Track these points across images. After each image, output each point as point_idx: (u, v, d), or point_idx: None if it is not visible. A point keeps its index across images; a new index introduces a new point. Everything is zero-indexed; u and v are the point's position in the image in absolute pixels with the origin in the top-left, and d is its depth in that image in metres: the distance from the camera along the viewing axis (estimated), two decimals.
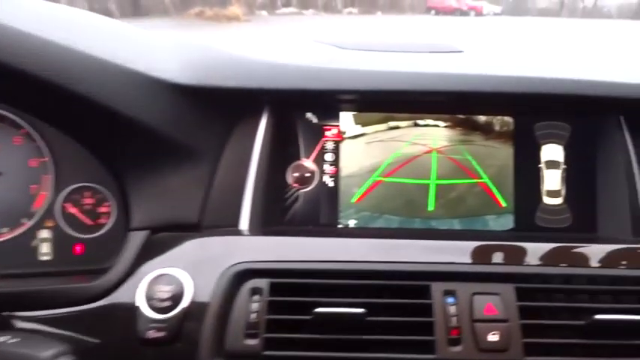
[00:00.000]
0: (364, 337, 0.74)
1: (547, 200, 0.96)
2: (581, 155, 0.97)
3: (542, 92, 0.87)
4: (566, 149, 0.97)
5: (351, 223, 0.95)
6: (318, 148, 0.96)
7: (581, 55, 1.12)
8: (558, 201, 0.97)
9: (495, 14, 28.46)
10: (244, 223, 0.88)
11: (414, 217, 0.95)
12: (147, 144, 0.83)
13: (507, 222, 0.96)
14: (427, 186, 0.95)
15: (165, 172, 0.85)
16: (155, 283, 0.76)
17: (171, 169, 0.85)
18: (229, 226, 0.87)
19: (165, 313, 0.74)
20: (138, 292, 0.75)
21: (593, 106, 0.95)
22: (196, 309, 0.75)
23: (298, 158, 0.96)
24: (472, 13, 27.53)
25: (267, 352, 0.73)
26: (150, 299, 0.75)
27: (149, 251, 0.81)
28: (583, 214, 0.96)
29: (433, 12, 28.59)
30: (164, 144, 0.83)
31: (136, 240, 0.82)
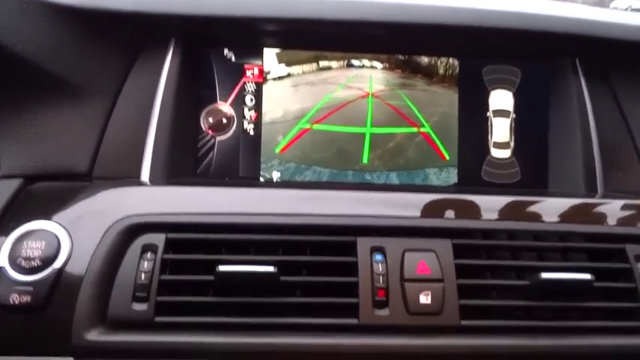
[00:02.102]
0: (274, 299, 0.63)
1: (495, 153, 0.87)
2: (533, 103, 0.88)
3: (487, 26, 0.76)
4: (516, 96, 0.87)
5: (275, 175, 0.83)
6: (236, 90, 0.84)
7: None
8: (506, 154, 0.87)
9: None
10: (145, 174, 0.75)
11: (347, 170, 0.84)
12: (17, 76, 0.68)
13: (451, 176, 0.85)
14: (362, 135, 0.84)
15: (44, 111, 0.70)
16: (23, 239, 0.62)
17: (52, 108, 0.71)
18: (127, 178, 0.74)
19: (33, 274, 0.61)
20: (2, 250, 0.62)
21: (546, 47, 0.85)
22: (74, 270, 0.62)
23: (214, 101, 0.83)
24: None
25: (159, 319, 0.61)
26: (16, 258, 0.61)
27: (20, 203, 0.67)
28: (533, 169, 0.87)
29: None
30: (41, 77, 0.69)
31: (4, 189, 0.68)
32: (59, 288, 0.61)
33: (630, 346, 0.66)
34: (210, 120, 0.83)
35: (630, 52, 0.82)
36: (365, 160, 0.84)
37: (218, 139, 0.83)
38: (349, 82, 0.84)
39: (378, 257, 0.66)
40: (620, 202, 0.76)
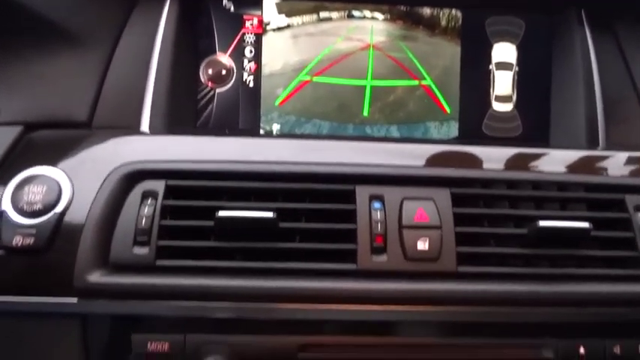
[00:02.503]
0: (273, 244, 0.64)
1: (496, 106, 0.86)
2: (536, 56, 0.86)
3: None
4: (519, 49, 0.86)
5: (275, 128, 0.83)
6: (236, 41, 0.83)
7: None
8: (508, 107, 0.86)
9: None
10: (145, 124, 0.75)
11: (347, 123, 0.83)
12: (16, 23, 0.67)
13: (451, 130, 0.85)
14: (362, 88, 0.84)
15: (42, 59, 0.70)
16: (25, 184, 0.63)
17: (50, 56, 0.70)
18: (127, 128, 0.74)
19: (36, 218, 0.62)
20: (4, 195, 0.63)
21: None
22: (75, 214, 0.62)
23: (213, 53, 0.83)
24: None
25: (160, 262, 0.62)
26: (18, 202, 0.62)
27: (21, 150, 0.68)
28: (534, 122, 0.86)
29: None
30: (39, 24, 0.68)
31: (5, 136, 0.68)
32: (61, 231, 0.62)
33: (627, 293, 0.67)
34: (210, 71, 0.82)
35: (637, 2, 0.80)
36: (365, 113, 0.84)
37: (217, 90, 0.83)
38: (350, 33, 0.83)
39: (377, 205, 0.66)
40: (622, 154, 0.75)
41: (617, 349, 0.67)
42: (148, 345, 0.62)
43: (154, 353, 0.62)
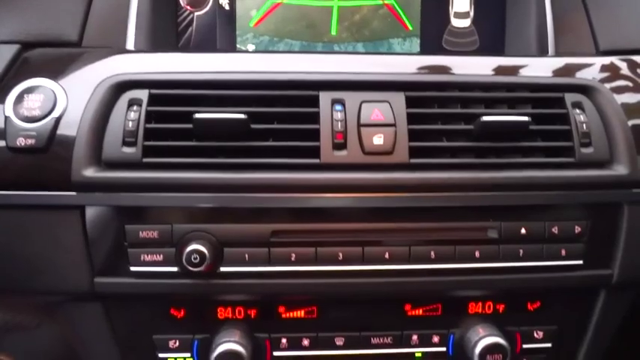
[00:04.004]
0: (246, 143, 0.72)
1: (455, 22, 0.92)
2: None
3: None
4: None
5: (250, 48, 0.90)
6: None
7: None
8: (466, 23, 0.93)
9: None
10: (130, 43, 0.82)
11: (317, 42, 0.91)
12: None
13: (413, 46, 0.92)
14: (330, 8, 0.90)
15: None
16: (24, 94, 0.71)
17: None
18: (114, 47, 0.82)
19: (35, 122, 0.70)
20: (6, 103, 0.71)
21: None
22: (70, 119, 0.71)
23: None
24: None
25: (146, 160, 0.70)
26: (19, 109, 0.71)
27: (19, 65, 0.76)
28: (491, 36, 0.93)
29: None
30: None
31: (4, 53, 0.76)
32: (58, 133, 0.70)
33: (562, 177, 0.74)
34: None
35: None
36: (334, 32, 0.91)
37: (196, 14, 0.89)
38: None
39: (338, 107, 0.73)
40: (564, 59, 0.82)
41: (555, 229, 0.76)
42: (140, 233, 0.72)
43: (146, 240, 0.72)
